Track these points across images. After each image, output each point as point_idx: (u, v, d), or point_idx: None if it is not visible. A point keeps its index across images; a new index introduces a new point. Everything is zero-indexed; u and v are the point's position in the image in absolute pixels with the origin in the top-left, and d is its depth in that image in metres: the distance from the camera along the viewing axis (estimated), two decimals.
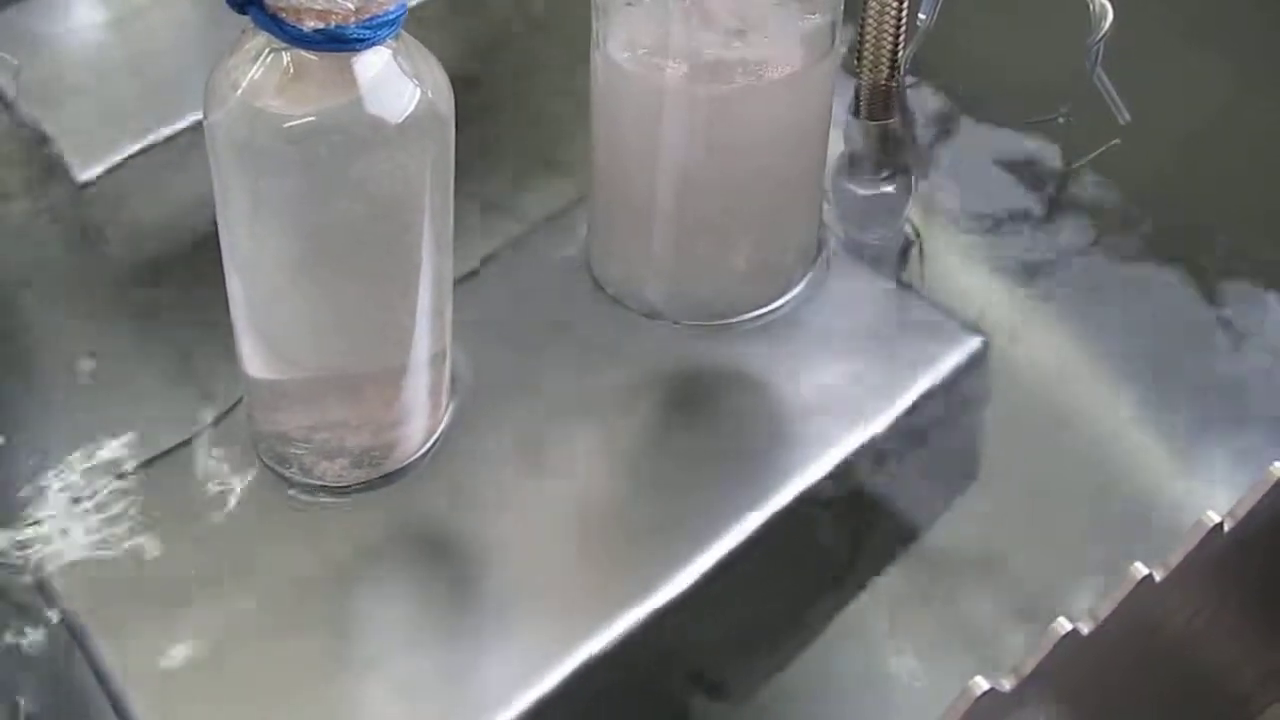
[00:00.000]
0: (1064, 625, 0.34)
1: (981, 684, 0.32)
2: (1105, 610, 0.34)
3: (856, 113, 0.60)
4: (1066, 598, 0.45)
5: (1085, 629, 0.34)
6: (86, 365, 0.51)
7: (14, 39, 0.62)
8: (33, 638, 0.44)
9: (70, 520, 0.47)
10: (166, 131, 0.58)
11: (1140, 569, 0.35)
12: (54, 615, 0.44)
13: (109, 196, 0.57)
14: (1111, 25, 0.57)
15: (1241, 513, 0.37)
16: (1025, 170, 0.59)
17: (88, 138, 0.58)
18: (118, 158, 0.58)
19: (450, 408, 0.49)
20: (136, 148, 0.58)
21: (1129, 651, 0.37)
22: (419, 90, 0.41)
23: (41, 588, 0.45)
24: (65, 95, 0.60)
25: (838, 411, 0.50)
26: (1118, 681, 0.38)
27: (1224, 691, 0.44)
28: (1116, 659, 0.36)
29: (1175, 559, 0.36)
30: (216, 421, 0.49)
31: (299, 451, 0.47)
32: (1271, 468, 0.38)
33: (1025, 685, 0.33)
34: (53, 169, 0.58)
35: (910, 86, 0.61)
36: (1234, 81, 0.63)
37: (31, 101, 0.60)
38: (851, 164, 0.59)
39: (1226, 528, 0.37)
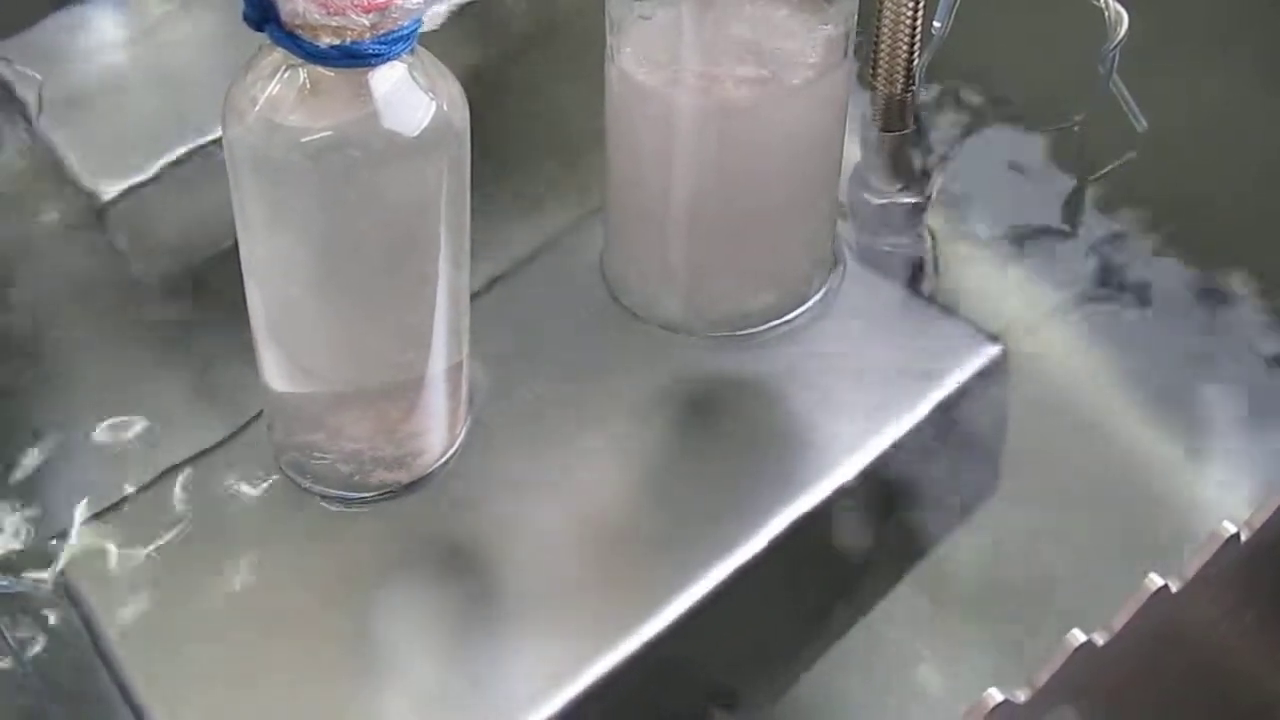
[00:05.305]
0: (1078, 637, 0.34)
1: (996, 696, 0.32)
2: (1120, 621, 0.34)
3: (872, 123, 0.60)
4: (1083, 608, 0.45)
5: (1100, 640, 0.34)
6: (108, 381, 0.52)
7: (35, 56, 0.62)
8: (53, 646, 0.44)
9: (93, 531, 0.47)
10: (186, 147, 0.58)
11: (1155, 580, 0.35)
12: (75, 620, 0.45)
13: (130, 212, 0.57)
14: (1127, 32, 0.57)
15: (1258, 523, 0.37)
16: (1041, 178, 0.59)
17: (108, 154, 0.59)
18: (138, 174, 0.58)
19: (468, 419, 0.49)
20: (157, 164, 0.58)
21: (1145, 663, 0.37)
22: (434, 103, 0.42)
23: (62, 593, 0.45)
24: (86, 112, 0.60)
25: (856, 421, 0.50)
26: (1134, 693, 0.38)
27: (1246, 702, 0.44)
28: (1132, 670, 0.36)
29: (1191, 570, 0.36)
30: (237, 434, 0.49)
31: (319, 462, 0.47)
32: None
33: (1040, 697, 0.33)
34: (73, 185, 0.58)
35: (925, 96, 0.61)
36: (1252, 86, 0.62)
37: (53, 118, 0.60)
38: (867, 174, 0.59)
39: (1243, 538, 0.36)
